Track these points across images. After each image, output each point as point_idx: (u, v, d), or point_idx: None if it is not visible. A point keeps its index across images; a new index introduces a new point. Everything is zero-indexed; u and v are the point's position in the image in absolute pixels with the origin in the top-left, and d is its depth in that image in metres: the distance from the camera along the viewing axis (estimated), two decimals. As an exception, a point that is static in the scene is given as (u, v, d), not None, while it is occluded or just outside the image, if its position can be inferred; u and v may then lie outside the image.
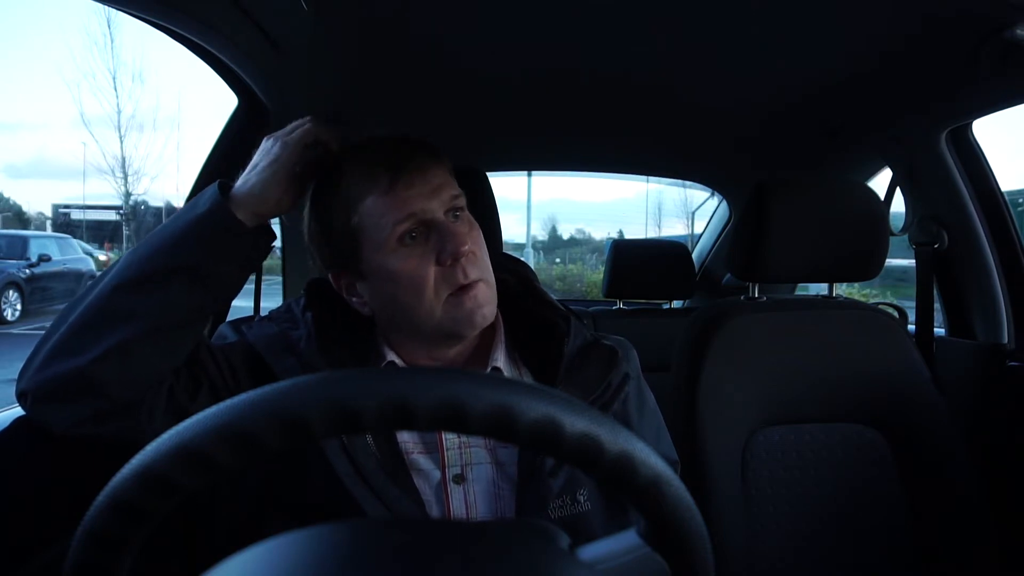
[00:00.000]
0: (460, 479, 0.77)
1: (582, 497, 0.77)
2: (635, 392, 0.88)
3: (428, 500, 0.75)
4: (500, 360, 0.82)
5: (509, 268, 0.92)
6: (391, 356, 0.81)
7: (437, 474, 0.76)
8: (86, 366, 0.67)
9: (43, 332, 0.72)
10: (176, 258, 0.71)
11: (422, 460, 0.77)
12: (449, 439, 0.78)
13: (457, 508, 0.75)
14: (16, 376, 0.71)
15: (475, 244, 0.78)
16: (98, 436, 0.69)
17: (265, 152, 0.77)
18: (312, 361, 0.77)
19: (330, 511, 0.70)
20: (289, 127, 0.78)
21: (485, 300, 0.77)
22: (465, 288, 0.75)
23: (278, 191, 0.75)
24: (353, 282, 0.81)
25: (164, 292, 0.70)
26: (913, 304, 1.53)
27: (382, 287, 0.78)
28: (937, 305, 1.52)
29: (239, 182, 0.76)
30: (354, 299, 0.82)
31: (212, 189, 0.74)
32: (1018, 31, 0.95)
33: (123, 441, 0.62)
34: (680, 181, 2.59)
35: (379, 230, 0.76)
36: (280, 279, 1.69)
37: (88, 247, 11.49)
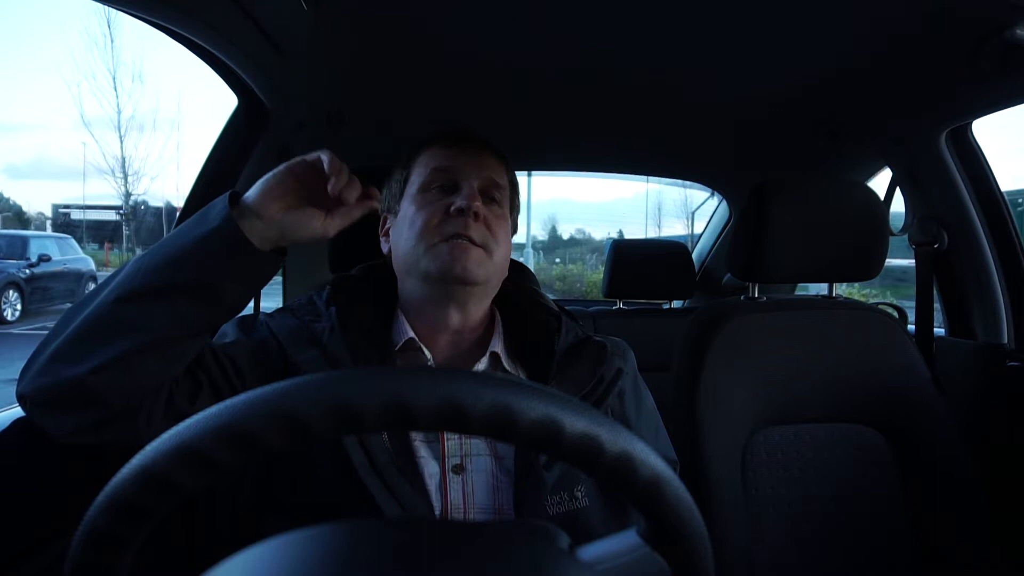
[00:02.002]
0: (459, 469, 0.77)
1: (580, 493, 0.78)
2: (631, 390, 0.90)
3: (428, 489, 0.76)
4: (498, 346, 0.87)
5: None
6: (408, 332, 0.85)
7: (436, 464, 0.77)
8: (85, 376, 0.65)
9: (43, 332, 0.71)
10: (182, 273, 0.69)
11: (422, 449, 0.78)
12: None
13: (455, 498, 0.76)
14: (16, 376, 0.71)
15: (495, 223, 0.85)
16: (97, 443, 0.69)
17: None
18: (336, 353, 0.79)
19: (344, 501, 0.72)
20: None
21: (475, 258, 0.81)
22: (459, 237, 0.81)
23: (272, 196, 0.73)
24: (388, 224, 0.92)
25: (168, 306, 0.68)
26: (913, 304, 1.53)
27: (400, 225, 0.87)
28: (937, 305, 1.52)
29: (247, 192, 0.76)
30: (383, 239, 0.93)
31: (222, 203, 0.71)
32: (1018, 31, 0.95)
33: (121, 446, 0.62)
34: (680, 181, 2.59)
35: (420, 175, 0.88)
36: (280, 279, 1.70)
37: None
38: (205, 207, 0.73)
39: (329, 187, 0.71)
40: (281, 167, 0.73)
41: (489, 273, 0.84)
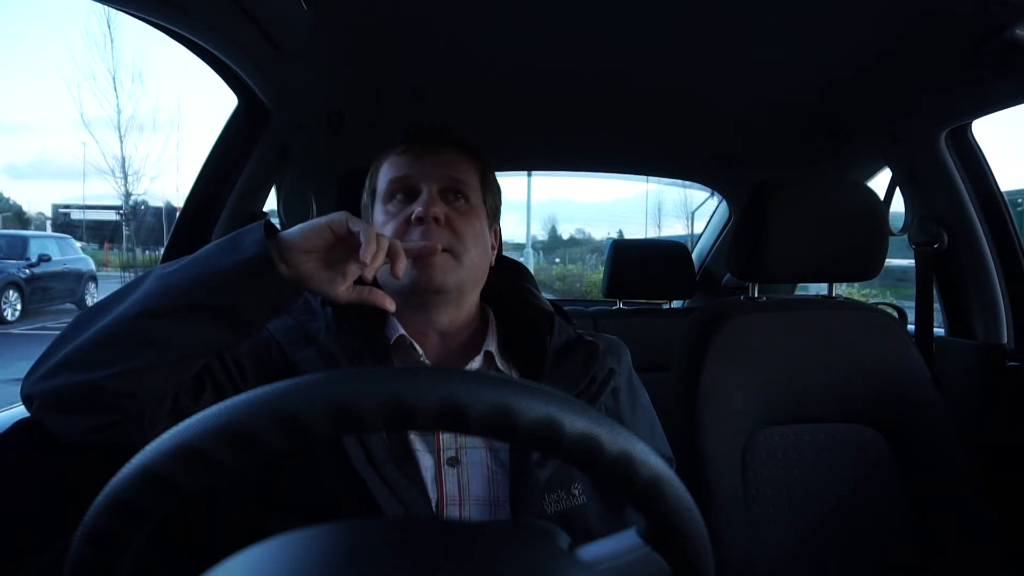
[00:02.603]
0: (454, 461, 0.78)
1: (577, 491, 0.78)
2: (626, 388, 0.90)
3: (423, 482, 0.76)
4: (492, 345, 0.87)
5: (505, 267, 0.97)
6: (399, 330, 0.85)
7: (431, 457, 0.78)
8: (98, 381, 0.66)
9: (43, 331, 0.71)
10: (211, 296, 0.68)
11: (417, 442, 0.79)
12: None
13: (451, 490, 0.76)
14: (17, 376, 0.70)
15: (460, 221, 0.84)
16: (101, 443, 0.69)
17: None
18: (332, 351, 0.80)
19: (340, 495, 0.72)
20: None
21: (441, 267, 0.81)
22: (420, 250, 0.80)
23: (305, 247, 0.70)
24: None
25: (191, 326, 0.68)
26: (913, 304, 1.53)
27: None
28: (937, 305, 1.52)
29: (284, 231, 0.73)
30: None
31: (257, 233, 0.69)
32: (1018, 31, 0.95)
33: (125, 445, 0.62)
34: (680, 181, 2.59)
35: (381, 187, 0.89)
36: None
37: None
38: (237, 232, 0.71)
39: (364, 273, 0.68)
40: (322, 221, 0.70)
41: (461, 278, 0.84)
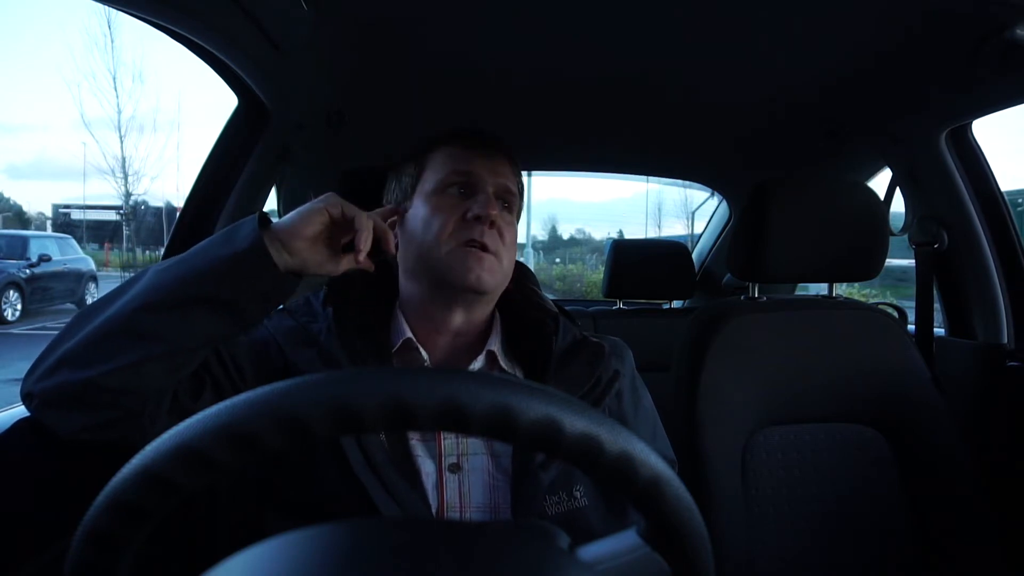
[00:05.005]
0: (456, 468, 0.78)
1: (578, 493, 0.78)
2: (629, 390, 0.90)
3: (424, 488, 0.76)
4: (495, 345, 0.86)
5: None
6: (406, 332, 0.85)
7: (432, 463, 0.78)
8: (96, 378, 0.66)
9: (43, 331, 0.71)
10: (207, 289, 0.69)
11: (419, 448, 0.78)
12: None
13: (451, 497, 0.76)
14: (17, 376, 0.70)
15: (506, 230, 0.85)
16: (102, 441, 0.69)
17: None
18: (333, 353, 0.80)
19: (340, 500, 0.72)
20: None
21: (489, 267, 0.82)
22: (474, 245, 0.81)
23: (302, 234, 0.72)
24: (395, 221, 0.89)
25: (188, 319, 0.68)
26: (913, 304, 1.53)
27: (411, 224, 0.86)
28: (937, 305, 1.52)
29: (280, 220, 0.76)
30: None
31: (251, 225, 0.70)
32: (1018, 31, 0.95)
33: (125, 444, 0.62)
34: (680, 181, 2.59)
35: (436, 173, 0.87)
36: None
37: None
38: (232, 226, 0.72)
39: (358, 257, 0.72)
40: (318, 204, 0.73)
41: (498, 281, 0.84)
